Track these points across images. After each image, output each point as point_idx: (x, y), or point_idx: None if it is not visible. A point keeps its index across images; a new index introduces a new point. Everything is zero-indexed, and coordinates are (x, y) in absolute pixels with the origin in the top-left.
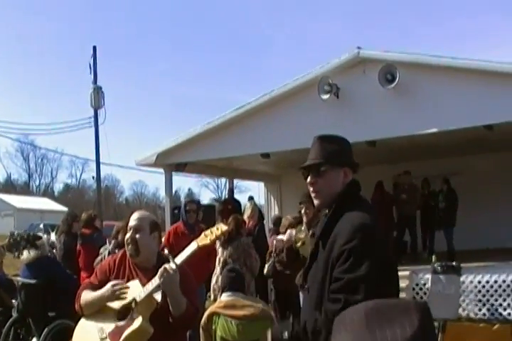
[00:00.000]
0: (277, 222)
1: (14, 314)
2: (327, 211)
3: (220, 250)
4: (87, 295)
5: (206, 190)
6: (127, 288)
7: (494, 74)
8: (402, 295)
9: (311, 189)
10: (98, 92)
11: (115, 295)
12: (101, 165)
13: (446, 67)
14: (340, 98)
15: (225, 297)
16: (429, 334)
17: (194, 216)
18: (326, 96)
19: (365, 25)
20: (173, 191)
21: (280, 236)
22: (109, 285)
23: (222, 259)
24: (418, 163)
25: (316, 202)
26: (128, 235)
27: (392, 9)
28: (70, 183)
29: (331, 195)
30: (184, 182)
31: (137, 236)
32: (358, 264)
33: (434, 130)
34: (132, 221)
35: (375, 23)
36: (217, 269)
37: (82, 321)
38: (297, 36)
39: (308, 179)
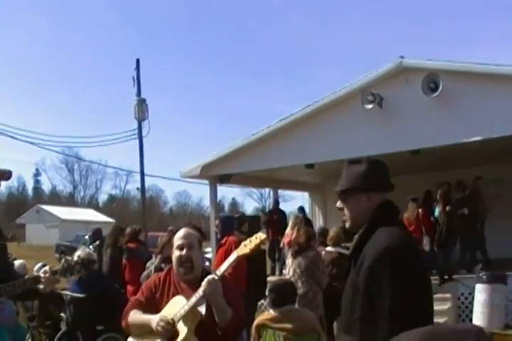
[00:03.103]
0: (323, 233)
1: (63, 327)
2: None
3: (290, 260)
4: (134, 317)
5: (250, 200)
6: (173, 328)
7: None
8: (447, 304)
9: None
10: (142, 105)
11: (160, 332)
12: (145, 177)
13: (490, 75)
14: (383, 108)
15: (273, 310)
16: None
17: (218, 230)
18: (369, 106)
19: (408, 33)
20: (217, 201)
21: (329, 248)
22: (157, 320)
23: (291, 269)
24: (462, 170)
25: (347, 225)
26: (183, 253)
27: (435, 16)
28: (115, 194)
29: (356, 219)
30: (228, 192)
31: (192, 253)
32: (388, 292)
33: (478, 138)
34: (183, 239)
35: (417, 31)
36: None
37: (130, 339)
38: (339, 46)
39: (337, 204)
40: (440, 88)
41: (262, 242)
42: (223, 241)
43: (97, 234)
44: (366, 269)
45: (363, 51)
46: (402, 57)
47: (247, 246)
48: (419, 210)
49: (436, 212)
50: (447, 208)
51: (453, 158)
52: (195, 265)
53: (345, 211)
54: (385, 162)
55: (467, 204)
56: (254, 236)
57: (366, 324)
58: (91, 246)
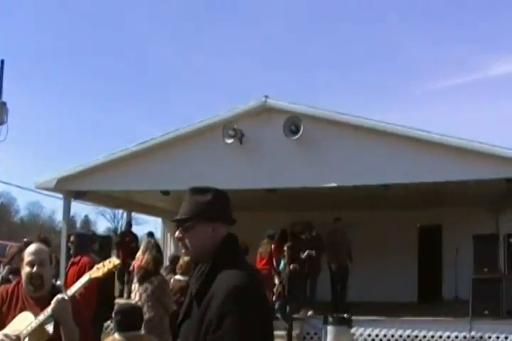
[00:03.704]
0: (174, 260)
1: None
2: (201, 267)
3: (136, 285)
4: None
5: (103, 219)
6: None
7: (393, 136)
8: None
9: (179, 243)
10: (2, 108)
11: None
12: None
13: (350, 125)
14: (243, 144)
15: (118, 334)
16: None
17: (73, 247)
18: (229, 141)
19: (276, 73)
20: (70, 216)
21: (178, 277)
22: (1, 335)
23: (138, 294)
24: (317, 213)
25: (186, 257)
26: (34, 270)
27: (302, 59)
28: None
29: (199, 251)
30: (81, 209)
31: (43, 270)
32: (230, 331)
33: (334, 184)
34: (34, 255)
35: (285, 72)
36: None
37: None
38: (208, 74)
39: (176, 234)
40: (301, 132)
41: (114, 267)
42: (77, 259)
43: None
44: (216, 307)
45: (228, 83)
46: (266, 96)
47: (99, 270)
48: (273, 246)
49: (282, 265)
50: (291, 266)
51: (310, 200)
52: (45, 282)
53: (186, 242)
54: (242, 197)
55: (314, 245)
56: (107, 261)
57: None
58: None
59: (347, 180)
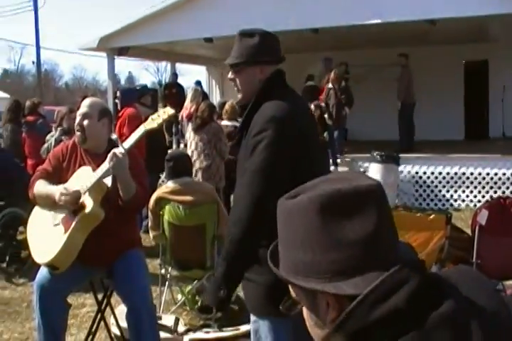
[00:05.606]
0: (221, 107)
1: None
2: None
3: (191, 134)
4: (40, 187)
5: (146, 73)
6: (75, 197)
7: None
8: None
9: (233, 85)
10: None
11: (61, 202)
12: (41, 50)
13: None
14: None
15: (171, 183)
16: (387, 224)
17: (118, 102)
18: None
19: None
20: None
21: (224, 122)
22: (59, 191)
23: (193, 143)
24: (360, 52)
25: (232, 101)
26: (76, 122)
27: None
28: (9, 68)
29: (249, 91)
30: (124, 66)
31: (85, 122)
32: (260, 156)
33: (378, 21)
34: (81, 108)
35: None
36: (189, 152)
37: (37, 208)
38: None
39: (229, 75)
40: None
41: (169, 117)
42: (120, 113)
43: None
44: (252, 136)
45: None
46: None
47: (154, 121)
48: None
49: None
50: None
51: (351, 40)
52: (87, 135)
53: (237, 83)
54: (287, 39)
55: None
56: (161, 111)
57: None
58: None
59: (392, 16)
